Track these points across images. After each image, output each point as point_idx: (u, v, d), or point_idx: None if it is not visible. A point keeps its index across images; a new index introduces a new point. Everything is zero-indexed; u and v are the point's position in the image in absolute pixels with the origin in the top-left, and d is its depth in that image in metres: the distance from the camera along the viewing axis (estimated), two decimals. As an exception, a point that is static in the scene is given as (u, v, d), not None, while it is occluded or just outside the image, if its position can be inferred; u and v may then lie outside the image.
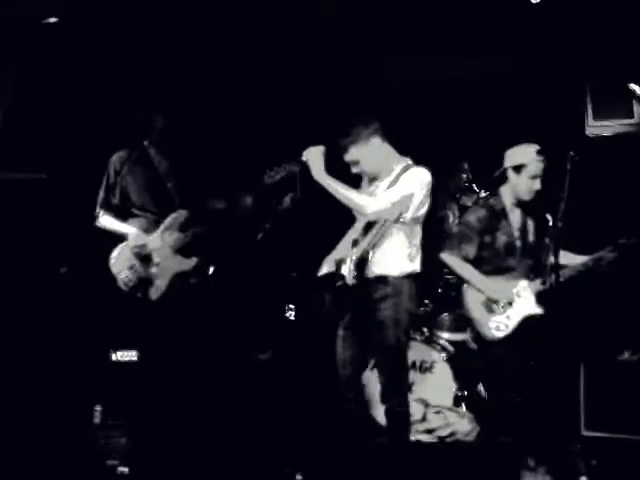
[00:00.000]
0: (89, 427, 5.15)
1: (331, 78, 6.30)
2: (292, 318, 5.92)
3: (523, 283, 4.74)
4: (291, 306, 5.89)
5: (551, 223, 4.65)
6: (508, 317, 4.69)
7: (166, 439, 4.86)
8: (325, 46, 6.04)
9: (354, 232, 4.58)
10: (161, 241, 5.03)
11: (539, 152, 4.73)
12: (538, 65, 6.08)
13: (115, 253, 5.02)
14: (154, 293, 4.98)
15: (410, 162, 4.57)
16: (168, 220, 5.06)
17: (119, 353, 5.44)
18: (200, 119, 5.99)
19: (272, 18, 5.78)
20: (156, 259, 5.01)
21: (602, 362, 5.16)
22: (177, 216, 5.08)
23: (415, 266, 4.50)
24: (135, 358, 5.35)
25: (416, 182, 4.45)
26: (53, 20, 5.50)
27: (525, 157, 4.74)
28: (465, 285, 4.85)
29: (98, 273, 5.14)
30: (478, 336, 4.80)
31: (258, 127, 6.32)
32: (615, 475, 4.51)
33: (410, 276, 4.47)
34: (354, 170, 4.57)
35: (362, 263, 4.42)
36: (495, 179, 4.91)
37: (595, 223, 5.48)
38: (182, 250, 5.08)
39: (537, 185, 4.73)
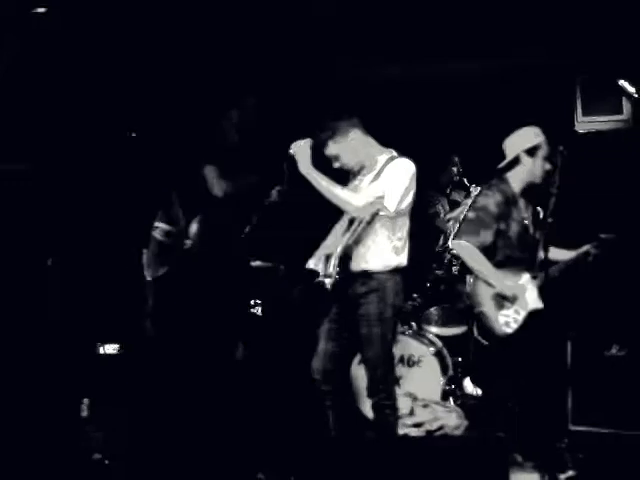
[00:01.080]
0: (76, 421, 5.13)
1: (321, 73, 6.28)
2: (259, 314, 5.89)
3: (527, 276, 4.61)
4: (258, 301, 5.86)
5: (541, 217, 4.62)
6: (517, 311, 4.57)
7: (150, 433, 4.85)
8: (315, 42, 6.02)
9: (341, 226, 4.56)
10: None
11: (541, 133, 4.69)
12: (528, 61, 6.09)
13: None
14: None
15: (394, 153, 4.52)
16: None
17: (106, 346, 5.43)
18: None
19: (257, 13, 5.77)
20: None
21: (590, 357, 5.16)
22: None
23: (401, 260, 4.46)
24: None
25: (400, 174, 4.41)
26: (41, 10, 5.46)
27: (537, 138, 4.65)
28: (473, 277, 4.66)
29: (85, 265, 5.13)
30: (484, 331, 4.67)
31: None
32: (602, 469, 4.52)
33: (396, 270, 4.44)
34: (335, 165, 4.53)
35: (345, 258, 4.40)
36: (500, 170, 4.74)
37: (584, 218, 5.49)
38: None
39: (547, 165, 4.62)
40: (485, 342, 4.78)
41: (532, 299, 4.58)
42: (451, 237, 5.64)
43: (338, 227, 4.59)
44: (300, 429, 5.00)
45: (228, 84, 6.14)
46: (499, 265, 4.62)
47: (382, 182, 4.39)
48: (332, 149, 4.48)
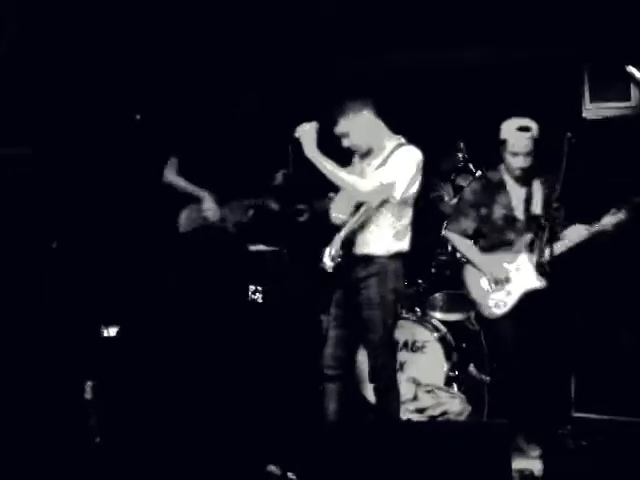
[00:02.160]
0: (80, 403, 5.14)
1: (328, 60, 6.26)
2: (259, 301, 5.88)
3: (523, 257, 4.67)
4: (259, 288, 5.85)
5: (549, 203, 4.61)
6: (508, 293, 4.66)
7: (151, 416, 4.86)
8: (322, 29, 6.00)
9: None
10: None
11: (521, 129, 4.66)
12: (536, 48, 6.06)
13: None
14: None
15: (403, 140, 4.53)
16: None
17: (110, 329, 5.44)
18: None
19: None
20: None
21: (594, 343, 5.16)
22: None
23: (403, 245, 4.48)
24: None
25: (407, 161, 4.41)
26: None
27: (506, 132, 4.72)
28: (465, 263, 4.83)
29: (88, 248, 5.12)
30: (478, 315, 4.79)
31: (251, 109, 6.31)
32: (605, 455, 4.52)
33: (397, 255, 4.45)
34: (344, 144, 4.52)
35: (349, 242, 4.42)
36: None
37: (591, 205, 5.46)
38: None
39: (521, 163, 4.67)
40: (476, 327, 4.84)
41: (529, 279, 4.62)
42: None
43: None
44: (302, 417, 5.00)
45: (232, 73, 6.14)
46: (492, 249, 4.74)
47: (389, 169, 4.39)
48: (343, 126, 4.48)
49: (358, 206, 4.45)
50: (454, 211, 4.94)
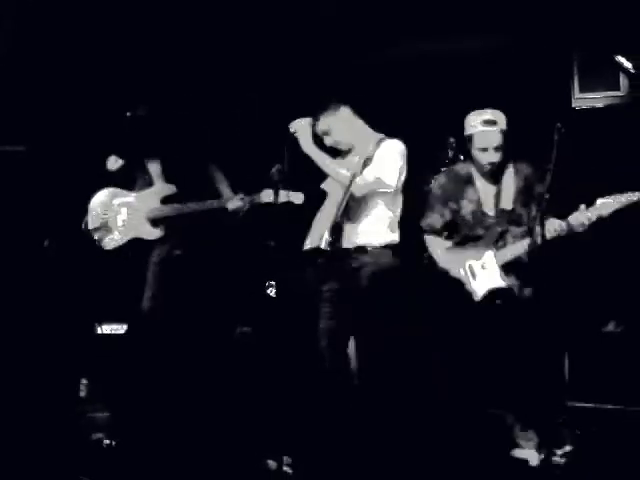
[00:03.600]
0: (74, 400, 5.14)
1: (314, 54, 6.25)
2: (273, 295, 5.88)
3: (489, 254, 4.48)
4: (272, 282, 5.85)
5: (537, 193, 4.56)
6: (472, 290, 4.48)
7: (149, 413, 4.85)
8: (312, 24, 6.00)
9: (330, 204, 4.59)
10: (138, 202, 5.09)
11: (486, 122, 4.45)
12: (524, 37, 6.06)
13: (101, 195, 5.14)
14: (109, 243, 5.10)
15: (383, 136, 4.60)
16: (156, 188, 5.10)
17: (104, 326, 5.44)
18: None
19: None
20: (124, 216, 5.08)
21: (587, 334, 5.17)
22: (162, 188, 5.09)
23: (394, 236, 4.55)
24: (121, 331, 5.36)
25: (392, 152, 4.50)
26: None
27: (470, 128, 4.52)
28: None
29: (82, 245, 5.12)
30: None
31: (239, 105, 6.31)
32: (600, 445, 4.55)
33: (389, 246, 4.51)
34: (326, 142, 4.59)
35: (338, 234, 4.44)
36: None
37: (581, 195, 5.47)
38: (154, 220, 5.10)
39: (491, 158, 4.45)
40: None
41: (492, 278, 4.44)
42: None
43: (326, 206, 4.63)
44: (309, 415, 5.01)
45: (229, 70, 6.15)
46: (461, 244, 4.60)
47: (377, 163, 4.46)
48: (322, 124, 4.56)
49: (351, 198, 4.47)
50: (425, 206, 4.72)
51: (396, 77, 6.24)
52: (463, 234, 4.61)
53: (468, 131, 4.54)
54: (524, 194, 4.51)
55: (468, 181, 4.61)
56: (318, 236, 4.52)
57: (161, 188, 5.12)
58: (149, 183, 5.15)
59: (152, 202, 5.11)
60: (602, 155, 5.82)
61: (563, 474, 4.26)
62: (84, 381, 5.27)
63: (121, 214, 5.12)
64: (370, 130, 4.66)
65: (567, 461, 4.32)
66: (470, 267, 4.51)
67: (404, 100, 6.18)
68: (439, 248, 4.67)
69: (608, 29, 5.80)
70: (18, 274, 5.65)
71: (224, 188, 5.11)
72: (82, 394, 5.26)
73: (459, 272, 4.52)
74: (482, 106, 4.68)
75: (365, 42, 6.18)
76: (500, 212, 4.53)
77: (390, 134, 4.66)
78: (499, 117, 4.49)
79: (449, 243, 4.69)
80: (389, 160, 4.48)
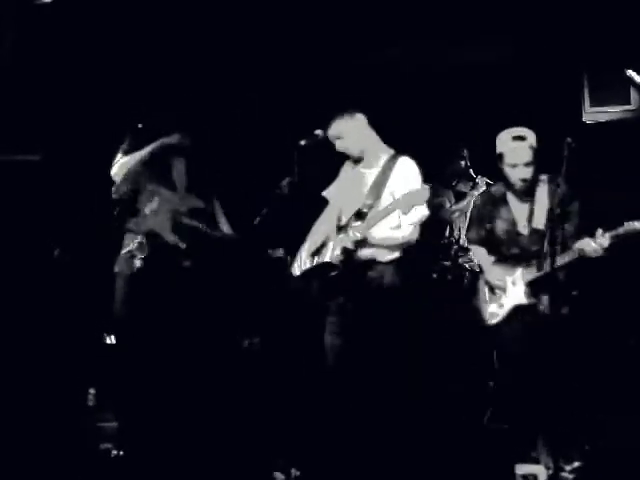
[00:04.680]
0: (83, 410, 5.15)
1: (327, 64, 6.27)
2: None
3: (519, 272, 4.58)
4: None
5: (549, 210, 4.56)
6: (501, 305, 4.61)
7: (157, 423, 4.85)
8: (312, 24, 6.00)
9: (331, 214, 4.63)
10: (168, 201, 4.91)
11: (515, 138, 4.50)
12: (535, 51, 6.07)
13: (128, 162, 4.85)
14: (132, 227, 4.84)
15: (393, 151, 4.62)
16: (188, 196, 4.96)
17: (113, 336, 5.44)
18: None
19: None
20: (154, 205, 4.89)
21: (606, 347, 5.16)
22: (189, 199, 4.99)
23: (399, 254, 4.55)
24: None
25: (414, 174, 4.53)
26: (47, 0, 5.47)
27: (501, 146, 4.57)
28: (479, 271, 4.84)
29: (93, 255, 5.13)
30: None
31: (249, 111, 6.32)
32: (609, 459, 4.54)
33: (398, 259, 4.53)
34: (337, 146, 4.59)
35: (351, 251, 4.45)
36: None
37: (592, 210, 5.47)
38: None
39: (521, 174, 4.51)
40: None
41: (518, 295, 4.55)
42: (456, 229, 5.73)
43: (328, 213, 4.68)
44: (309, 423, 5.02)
45: (233, 75, 6.15)
46: (498, 262, 4.69)
47: (401, 185, 4.47)
48: (335, 128, 4.57)
49: (359, 215, 4.49)
50: (469, 220, 4.91)
51: (402, 86, 6.25)
52: (498, 252, 4.69)
53: (499, 149, 4.59)
54: (560, 211, 4.48)
55: (502, 201, 4.68)
56: (317, 246, 4.54)
57: (192, 199, 4.95)
58: (172, 188, 5.03)
59: (180, 207, 4.91)
60: (613, 169, 5.82)
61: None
62: (92, 391, 5.26)
63: (152, 202, 4.86)
64: (381, 142, 4.67)
65: (575, 477, 4.31)
66: (504, 283, 4.61)
67: (414, 111, 6.20)
68: (484, 259, 4.75)
69: (618, 43, 5.81)
70: (29, 283, 5.66)
71: (221, 218, 5.04)
72: (90, 404, 5.25)
73: (498, 285, 4.62)
74: (493, 120, 4.71)
75: (368, 42, 6.18)
76: (533, 231, 4.58)
77: (401, 146, 4.67)
78: (529, 134, 4.55)
79: (493, 257, 4.76)
80: (414, 183, 4.48)
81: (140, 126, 5.03)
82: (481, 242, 4.77)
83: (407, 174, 4.51)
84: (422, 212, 4.42)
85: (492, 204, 4.71)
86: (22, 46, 5.66)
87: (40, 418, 4.95)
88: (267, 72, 6.23)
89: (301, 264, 4.66)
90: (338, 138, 4.58)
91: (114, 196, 4.85)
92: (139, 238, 4.82)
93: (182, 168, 4.99)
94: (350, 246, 4.43)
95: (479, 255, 4.80)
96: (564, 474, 4.35)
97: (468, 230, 4.87)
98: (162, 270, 4.92)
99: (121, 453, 4.71)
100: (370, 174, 4.57)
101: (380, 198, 4.51)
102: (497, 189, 4.76)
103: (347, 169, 4.72)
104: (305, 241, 4.73)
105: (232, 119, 6.25)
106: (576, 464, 4.39)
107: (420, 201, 4.26)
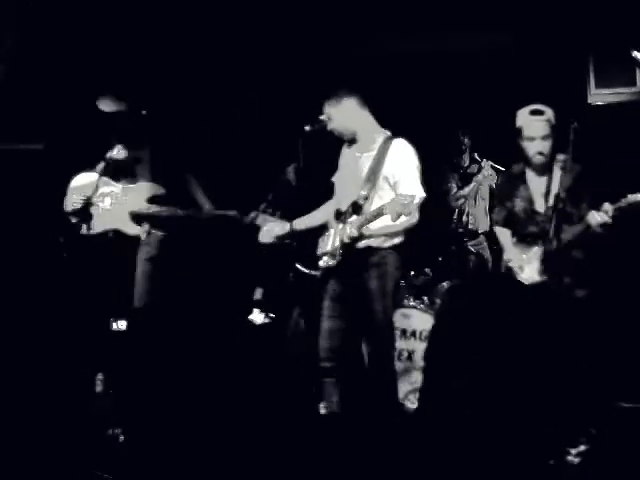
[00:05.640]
0: (91, 396, 5.17)
1: (323, 49, 6.24)
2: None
3: (535, 249, 4.60)
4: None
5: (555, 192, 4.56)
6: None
7: (164, 410, 4.87)
8: (312, 23, 5.99)
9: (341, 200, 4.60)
10: (123, 195, 5.07)
11: (533, 112, 4.58)
12: (541, 34, 6.03)
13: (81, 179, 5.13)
14: (85, 229, 5.09)
15: (389, 133, 4.58)
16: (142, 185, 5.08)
17: (119, 322, 5.45)
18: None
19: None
20: (106, 205, 5.07)
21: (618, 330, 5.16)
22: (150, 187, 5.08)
23: (402, 236, 4.51)
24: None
25: (410, 157, 4.49)
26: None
27: (519, 120, 4.64)
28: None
29: (96, 242, 5.14)
30: None
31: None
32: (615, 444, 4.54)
33: (397, 245, 4.50)
34: (329, 126, 4.59)
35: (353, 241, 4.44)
36: None
37: (598, 192, 5.46)
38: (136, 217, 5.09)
39: (539, 147, 4.57)
40: None
41: (533, 272, 4.57)
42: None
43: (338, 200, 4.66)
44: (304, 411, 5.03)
45: (235, 68, 6.14)
46: (519, 240, 4.70)
47: (396, 168, 4.44)
48: (325, 109, 4.57)
49: (356, 207, 4.47)
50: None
51: (405, 73, 6.23)
52: (517, 231, 4.72)
53: (518, 123, 4.65)
54: (573, 192, 4.53)
55: (521, 179, 4.72)
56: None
57: (149, 186, 5.09)
58: (133, 178, 5.13)
59: (138, 198, 5.08)
60: (619, 151, 5.80)
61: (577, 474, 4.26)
62: (100, 376, 5.27)
63: (104, 203, 5.09)
64: (375, 123, 4.61)
65: (581, 461, 4.32)
66: (522, 260, 4.63)
67: (417, 96, 6.18)
68: (506, 239, 4.79)
69: (624, 25, 5.77)
70: (34, 271, 5.68)
71: (200, 197, 5.08)
72: (98, 389, 5.27)
73: (516, 264, 4.63)
74: (499, 103, 4.70)
75: (369, 31, 6.16)
76: (550, 210, 4.58)
77: (405, 132, 4.64)
78: (547, 109, 4.62)
79: (514, 238, 4.78)
80: (410, 166, 4.46)
81: (144, 112, 5.06)
82: (504, 222, 4.79)
83: (402, 157, 4.47)
84: (410, 221, 4.37)
85: (512, 182, 4.76)
86: (25, 35, 5.66)
87: (47, 404, 4.97)
88: (270, 61, 6.22)
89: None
90: (329, 119, 4.57)
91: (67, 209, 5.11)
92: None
93: (147, 165, 5.13)
94: (347, 241, 4.43)
95: (503, 236, 4.81)
96: (570, 457, 4.37)
97: (491, 211, 4.95)
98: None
99: (128, 438, 4.73)
100: (367, 158, 4.54)
101: (375, 186, 4.48)
102: (517, 167, 4.79)
103: (344, 153, 4.70)
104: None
105: (236, 106, 6.25)
106: (582, 448, 4.41)
107: (406, 211, 4.21)
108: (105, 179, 5.13)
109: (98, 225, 5.09)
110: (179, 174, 5.12)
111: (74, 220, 5.11)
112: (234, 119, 6.19)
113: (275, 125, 5.62)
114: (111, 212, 5.08)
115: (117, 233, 5.08)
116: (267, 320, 5.53)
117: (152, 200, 5.07)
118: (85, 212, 5.08)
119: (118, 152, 5.11)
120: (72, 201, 5.12)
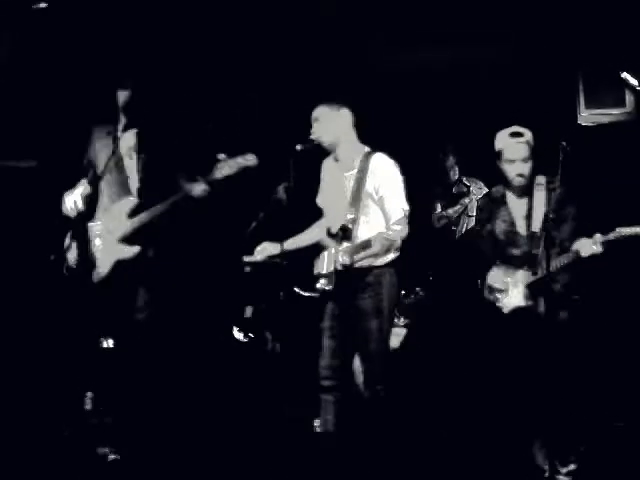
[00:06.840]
0: (80, 414, 5.15)
1: (315, 62, 6.26)
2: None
3: (520, 273, 4.57)
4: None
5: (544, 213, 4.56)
6: (502, 307, 4.59)
7: (155, 425, 4.86)
8: (312, 24, 6.00)
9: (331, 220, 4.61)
10: (105, 227, 4.92)
11: (513, 134, 4.57)
12: (531, 53, 6.07)
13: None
14: (96, 276, 4.91)
15: (368, 149, 4.58)
16: (117, 206, 4.93)
17: (109, 340, 5.43)
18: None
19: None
20: (99, 246, 4.94)
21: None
22: (123, 204, 4.93)
23: (396, 253, 4.50)
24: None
25: (389, 169, 4.49)
26: (43, 5, 5.47)
27: (499, 142, 4.63)
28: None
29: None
30: None
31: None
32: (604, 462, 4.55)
33: (391, 264, 4.50)
34: (312, 129, 4.56)
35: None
36: None
37: (587, 212, 5.48)
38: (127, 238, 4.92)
39: (519, 169, 4.54)
40: None
41: (518, 297, 4.54)
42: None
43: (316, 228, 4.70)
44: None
45: (234, 74, 6.15)
46: (502, 262, 4.66)
47: (378, 184, 4.44)
48: (317, 111, 4.56)
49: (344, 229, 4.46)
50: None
51: (396, 87, 6.25)
52: (498, 253, 4.69)
53: (498, 146, 4.65)
54: (557, 213, 4.51)
55: (501, 202, 4.71)
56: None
57: (124, 203, 4.89)
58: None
59: (119, 220, 4.87)
60: (609, 172, 5.83)
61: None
62: (89, 394, 5.25)
63: (97, 246, 4.94)
64: (358, 143, 4.61)
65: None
66: (505, 284, 4.60)
67: (405, 111, 6.20)
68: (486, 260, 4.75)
69: (614, 46, 5.81)
70: (27, 288, 5.67)
71: (182, 182, 4.97)
72: (87, 407, 5.24)
73: (499, 287, 4.61)
74: (488, 122, 4.72)
75: (367, 43, 6.17)
76: (532, 234, 4.59)
77: (395, 147, 4.65)
78: (526, 131, 4.62)
79: (497, 261, 4.73)
80: (394, 182, 4.47)
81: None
82: (484, 244, 4.76)
83: (382, 171, 4.47)
84: (401, 234, 4.34)
85: (492, 205, 4.75)
86: (19, 52, 5.67)
87: (37, 421, 4.95)
88: (262, 67, 6.23)
89: None
90: (315, 120, 4.56)
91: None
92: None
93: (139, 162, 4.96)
94: (340, 268, 4.42)
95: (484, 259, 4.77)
96: (560, 477, 4.38)
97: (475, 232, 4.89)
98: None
99: (118, 457, 4.71)
100: (350, 177, 4.54)
101: (359, 207, 4.48)
102: (497, 190, 4.77)
103: (325, 168, 4.70)
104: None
105: (231, 121, 6.26)
106: (572, 467, 4.41)
107: (393, 247, 4.25)
108: (90, 224, 5.00)
109: (103, 266, 4.91)
110: (173, 175, 5.02)
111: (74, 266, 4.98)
112: (234, 119, 6.20)
113: (269, 141, 5.61)
114: (105, 249, 4.93)
115: (120, 262, 4.99)
116: (246, 340, 5.51)
117: (132, 213, 4.89)
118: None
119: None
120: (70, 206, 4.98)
